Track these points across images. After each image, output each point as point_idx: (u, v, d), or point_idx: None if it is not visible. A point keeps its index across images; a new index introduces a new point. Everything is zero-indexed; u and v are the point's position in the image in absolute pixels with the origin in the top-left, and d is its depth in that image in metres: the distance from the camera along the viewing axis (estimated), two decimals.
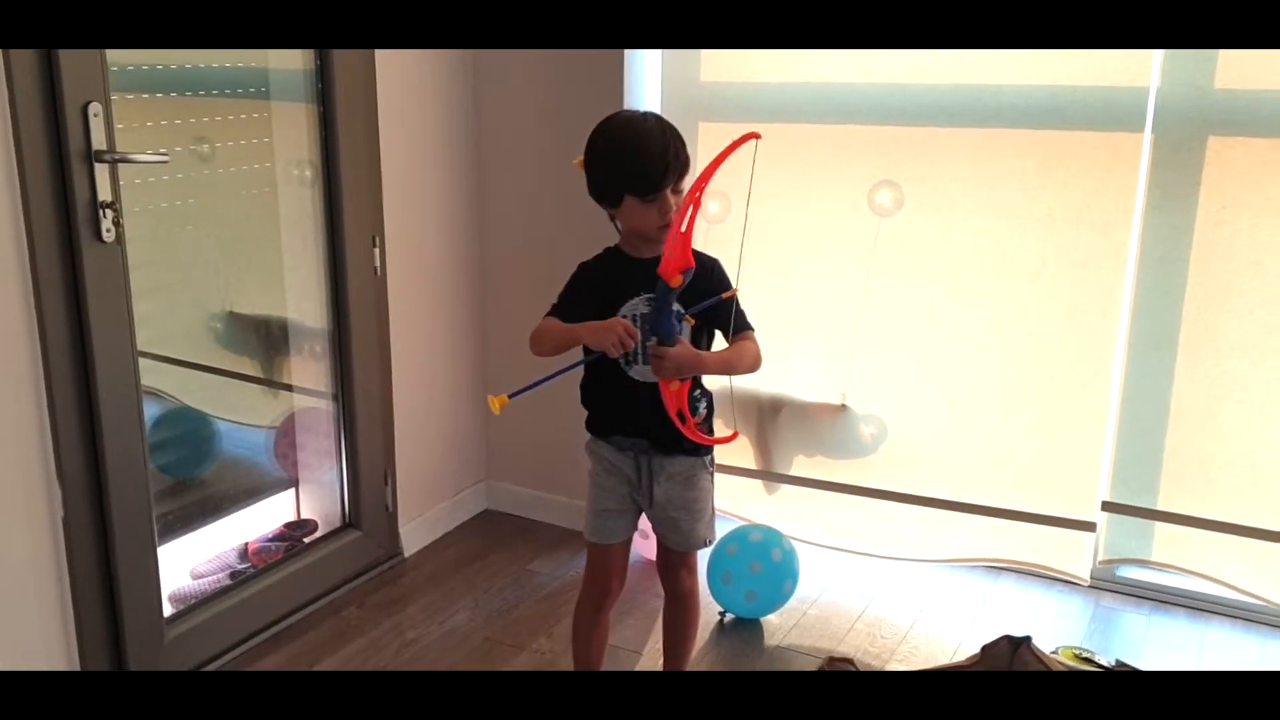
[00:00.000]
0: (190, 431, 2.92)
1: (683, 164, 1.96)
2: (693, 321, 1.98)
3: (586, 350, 1.98)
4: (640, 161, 1.94)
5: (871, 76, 2.67)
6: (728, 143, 1.88)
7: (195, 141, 2.62)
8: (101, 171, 2.07)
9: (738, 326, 2.05)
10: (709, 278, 2.02)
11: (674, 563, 2.22)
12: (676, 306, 1.94)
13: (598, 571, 2.21)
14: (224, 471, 2.98)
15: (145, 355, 2.73)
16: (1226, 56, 2.35)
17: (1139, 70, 2.42)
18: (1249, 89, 2.35)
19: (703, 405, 2.11)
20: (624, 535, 2.18)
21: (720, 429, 2.20)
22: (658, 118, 2.01)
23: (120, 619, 2.26)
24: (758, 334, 2.07)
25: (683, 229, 1.88)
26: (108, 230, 2.09)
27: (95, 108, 2.04)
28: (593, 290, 2.04)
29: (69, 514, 2.15)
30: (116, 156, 2.09)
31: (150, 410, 2.77)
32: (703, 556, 2.66)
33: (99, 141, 2.05)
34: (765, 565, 2.67)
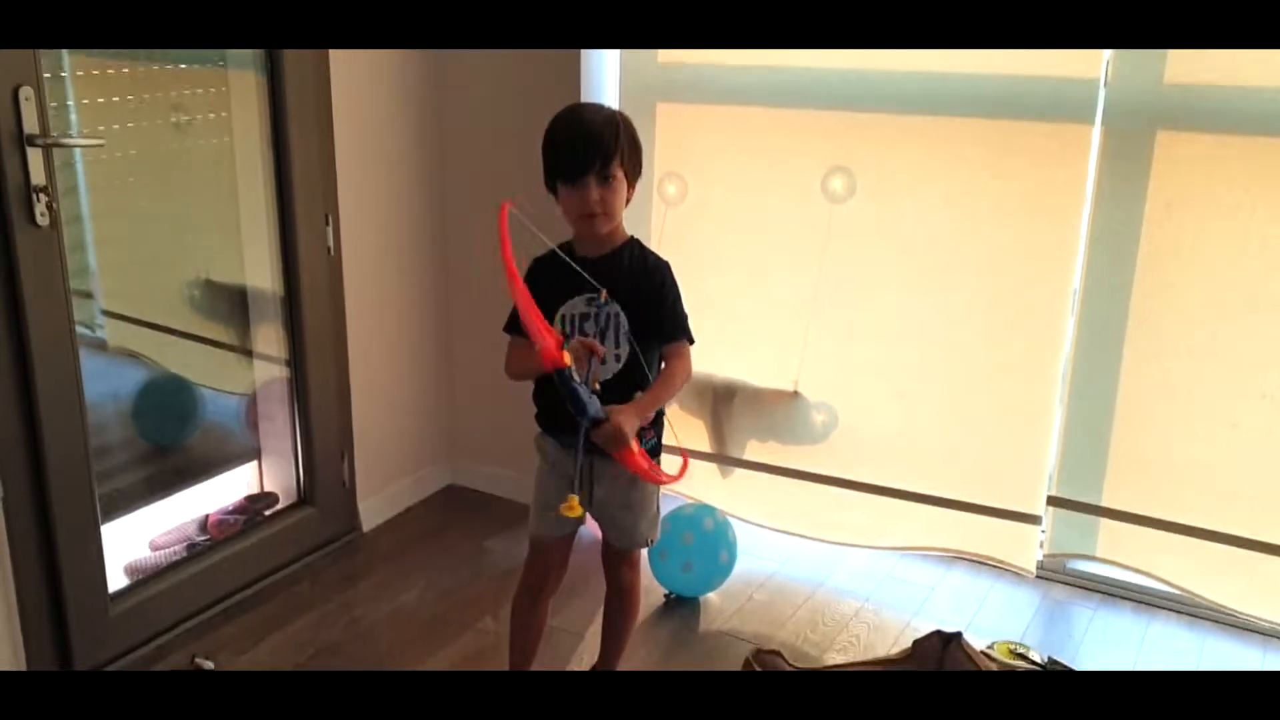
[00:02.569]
0: (174, 397, 2.95)
1: (609, 152, 1.90)
2: (598, 387, 1.93)
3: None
4: (566, 144, 1.93)
5: (827, 62, 2.65)
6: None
7: (173, 113, 2.64)
8: (34, 155, 2.08)
9: (673, 338, 2.02)
10: (650, 280, 2.01)
11: (615, 559, 2.23)
12: (581, 385, 1.87)
13: (537, 564, 2.22)
14: (201, 439, 3.00)
15: (116, 317, 2.77)
16: (1176, 51, 2.31)
17: (1089, 62, 2.38)
18: (1197, 84, 2.31)
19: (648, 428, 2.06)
20: (565, 531, 2.18)
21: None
22: (607, 110, 1.99)
23: (63, 595, 2.29)
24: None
25: (528, 309, 1.84)
26: (42, 214, 2.10)
27: (27, 91, 2.04)
28: (538, 294, 2.03)
29: (7, 494, 2.17)
30: (49, 141, 2.09)
31: (134, 376, 2.81)
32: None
33: (31, 125, 2.06)
34: (697, 535, 2.70)
